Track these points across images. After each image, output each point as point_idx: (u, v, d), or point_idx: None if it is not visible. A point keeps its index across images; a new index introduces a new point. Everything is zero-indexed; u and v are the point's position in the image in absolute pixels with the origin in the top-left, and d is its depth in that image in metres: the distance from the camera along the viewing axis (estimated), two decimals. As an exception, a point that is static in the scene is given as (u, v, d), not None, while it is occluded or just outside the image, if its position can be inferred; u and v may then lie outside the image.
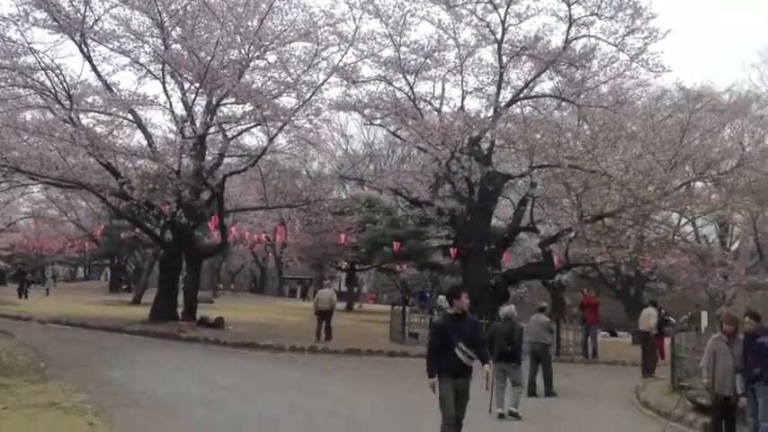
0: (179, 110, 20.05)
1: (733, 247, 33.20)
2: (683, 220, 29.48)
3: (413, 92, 21.29)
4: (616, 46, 19.87)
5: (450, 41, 20.72)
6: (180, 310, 21.37)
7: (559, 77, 21.06)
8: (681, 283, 28.66)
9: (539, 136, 20.46)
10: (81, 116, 18.50)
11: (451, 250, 26.30)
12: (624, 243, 20.90)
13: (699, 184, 24.77)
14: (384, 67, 20.86)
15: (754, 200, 23.93)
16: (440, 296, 33.41)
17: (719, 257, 28.24)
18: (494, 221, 26.57)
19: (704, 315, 19.06)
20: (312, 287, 36.66)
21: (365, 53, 20.22)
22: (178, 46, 19.12)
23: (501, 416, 10.12)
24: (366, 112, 22.54)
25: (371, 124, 25.32)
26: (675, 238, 27.36)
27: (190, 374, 12.80)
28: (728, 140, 26.62)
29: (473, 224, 21.71)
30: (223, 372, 13.40)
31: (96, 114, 19.92)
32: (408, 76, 20.95)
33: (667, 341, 15.25)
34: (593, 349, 19.63)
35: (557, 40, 20.40)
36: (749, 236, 27.67)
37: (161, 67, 19.47)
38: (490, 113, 20.98)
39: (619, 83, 21.59)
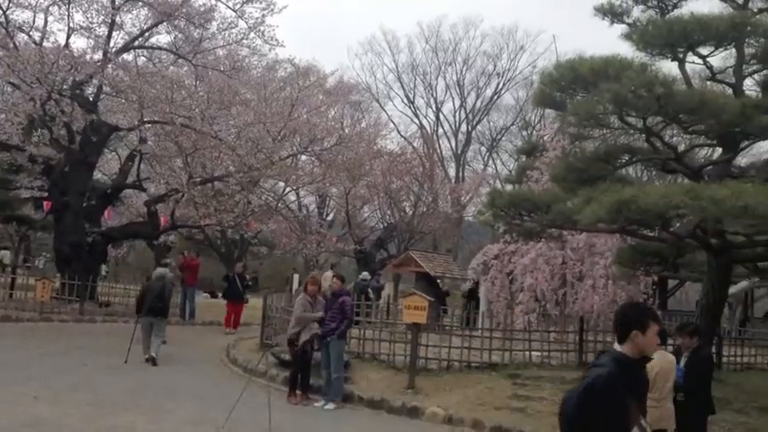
0: None
1: (329, 218, 36.92)
2: (288, 189, 31.52)
3: (6, 18, 18.23)
4: (236, 12, 19.93)
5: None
6: None
7: (177, 33, 20.30)
8: (281, 247, 30.75)
9: (152, 90, 19.54)
10: None
11: (45, 203, 23.68)
12: (231, 207, 21.42)
13: (303, 157, 26.77)
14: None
15: (348, 176, 26.77)
16: (3, 251, 29.88)
17: (316, 226, 31.02)
18: (97, 175, 24.79)
19: (296, 277, 20.67)
20: None
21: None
22: None
23: (147, 360, 11.69)
24: (-61, 30, 18.55)
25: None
26: (279, 205, 29.11)
27: None
28: (331, 120, 29.38)
29: (72, 176, 19.82)
30: None
31: None
32: (0, -1, 17.86)
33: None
34: (191, 310, 19.67)
35: (178, -7, 19.58)
36: (342, 208, 30.91)
37: None
38: (99, 57, 19.22)
39: (236, 49, 21.77)
